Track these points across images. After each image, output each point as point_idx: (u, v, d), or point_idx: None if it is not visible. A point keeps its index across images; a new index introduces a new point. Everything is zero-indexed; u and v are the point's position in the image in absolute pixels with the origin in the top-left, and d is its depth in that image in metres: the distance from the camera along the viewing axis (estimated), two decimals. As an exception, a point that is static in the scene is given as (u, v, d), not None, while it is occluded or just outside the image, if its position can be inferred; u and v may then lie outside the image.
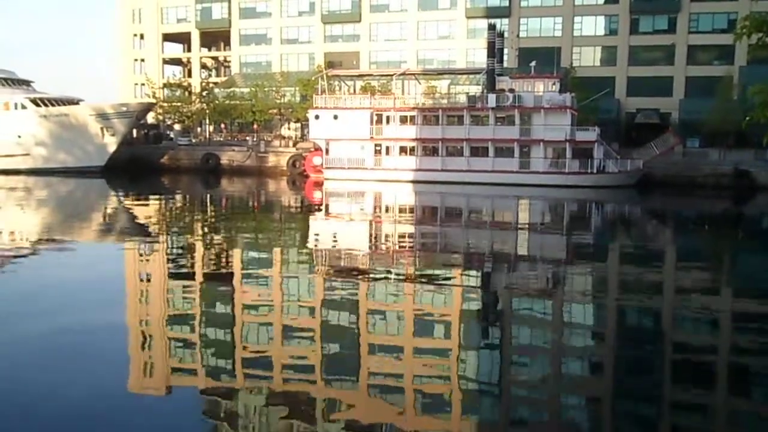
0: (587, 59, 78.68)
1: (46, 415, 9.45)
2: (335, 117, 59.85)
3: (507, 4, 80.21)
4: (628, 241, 30.29)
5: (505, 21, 78.79)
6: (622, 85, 77.27)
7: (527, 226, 34.84)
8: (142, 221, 33.86)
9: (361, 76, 69.95)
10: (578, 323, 15.41)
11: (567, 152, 55.48)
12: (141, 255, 23.41)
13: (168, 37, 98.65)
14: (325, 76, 63.82)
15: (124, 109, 66.91)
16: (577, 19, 78.93)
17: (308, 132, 65.79)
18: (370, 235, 29.91)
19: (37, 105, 65.87)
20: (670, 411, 10.38)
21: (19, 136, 65.56)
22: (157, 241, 26.85)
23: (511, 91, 56.53)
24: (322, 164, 60.47)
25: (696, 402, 10.66)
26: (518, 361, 12.41)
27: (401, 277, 19.46)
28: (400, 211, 40.80)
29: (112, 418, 9.40)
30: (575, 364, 12.34)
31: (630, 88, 77.00)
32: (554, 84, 56.69)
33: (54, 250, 23.58)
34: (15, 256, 21.90)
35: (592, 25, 79.19)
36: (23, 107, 65.74)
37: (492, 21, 65.84)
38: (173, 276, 19.58)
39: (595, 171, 55.11)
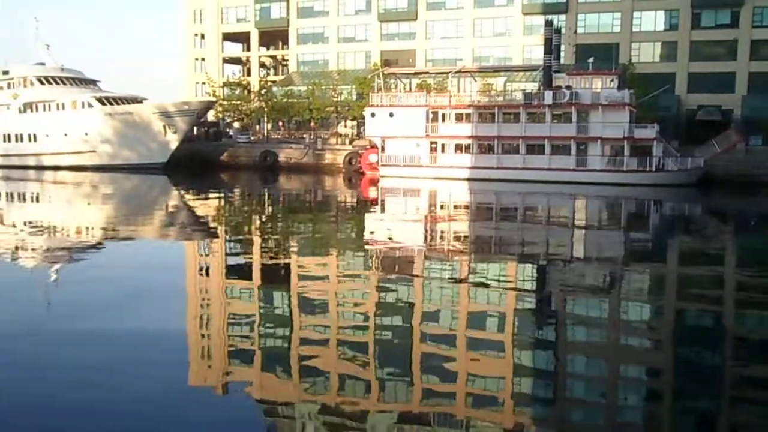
0: (646, 55, 77.28)
1: (106, 409, 9.78)
2: (391, 115, 60.26)
3: (564, 0, 79.42)
4: (689, 241, 29.84)
5: (563, 17, 78.03)
6: (683, 82, 75.69)
7: (584, 224, 34.59)
8: (202, 217, 34.78)
9: (417, 73, 70.18)
10: (636, 325, 15.37)
11: (625, 150, 54.73)
12: (201, 250, 24.14)
13: (228, 37, 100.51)
14: (381, 74, 64.40)
15: (186, 107, 68.57)
16: (636, 14, 77.57)
17: (364, 129, 66.38)
18: (426, 234, 30.12)
19: (103, 104, 68.11)
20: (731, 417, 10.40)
21: (86, 134, 67.98)
22: (217, 237, 27.62)
23: (568, 88, 55.99)
24: (378, 161, 60.98)
25: (758, 406, 10.65)
26: (575, 365, 12.51)
27: (456, 278, 19.64)
28: (455, 208, 40.92)
29: (169, 416, 9.72)
30: (634, 367, 12.40)
31: (691, 84, 75.37)
32: (612, 80, 55.95)
33: (118, 244, 24.55)
34: (81, 250, 22.90)
35: (652, 21, 77.74)
36: (90, 106, 68.07)
37: (549, 17, 65.55)
38: (232, 271, 20.13)
39: (654, 169, 54.24)
